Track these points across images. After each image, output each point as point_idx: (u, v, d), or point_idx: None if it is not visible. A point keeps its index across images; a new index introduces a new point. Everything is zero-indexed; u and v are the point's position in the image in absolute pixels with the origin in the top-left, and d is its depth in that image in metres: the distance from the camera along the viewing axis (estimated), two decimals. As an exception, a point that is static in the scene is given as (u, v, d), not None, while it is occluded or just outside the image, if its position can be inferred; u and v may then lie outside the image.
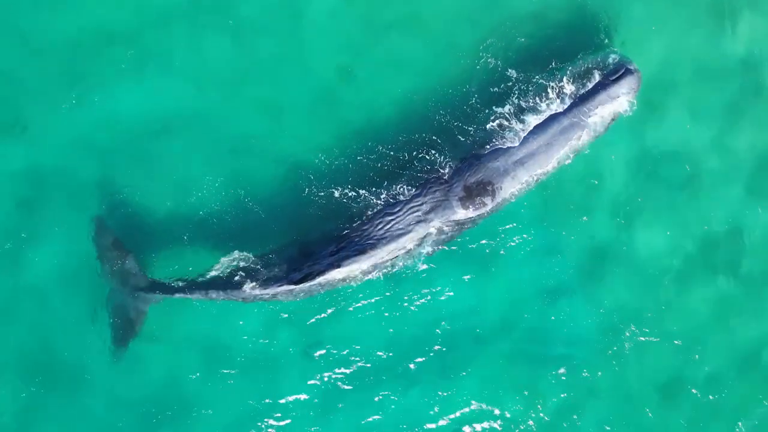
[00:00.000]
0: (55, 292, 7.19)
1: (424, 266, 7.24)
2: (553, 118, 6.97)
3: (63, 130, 7.27)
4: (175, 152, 7.31)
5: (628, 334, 7.70)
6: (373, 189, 7.02)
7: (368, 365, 7.40)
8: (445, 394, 7.49)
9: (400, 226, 6.69)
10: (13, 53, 7.26)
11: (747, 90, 7.79)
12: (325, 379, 7.37)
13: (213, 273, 6.83)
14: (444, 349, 7.50)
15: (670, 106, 7.72)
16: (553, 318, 7.64)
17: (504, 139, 6.89)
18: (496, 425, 7.53)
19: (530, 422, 7.59)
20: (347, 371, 7.38)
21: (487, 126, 7.06)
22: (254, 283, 6.59)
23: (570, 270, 7.66)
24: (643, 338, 7.70)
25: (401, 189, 6.90)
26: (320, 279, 6.47)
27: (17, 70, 7.26)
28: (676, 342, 7.78)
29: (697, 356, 7.80)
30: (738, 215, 7.86)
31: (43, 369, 7.17)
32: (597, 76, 7.12)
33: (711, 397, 7.80)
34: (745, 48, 7.77)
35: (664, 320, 7.76)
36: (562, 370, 7.63)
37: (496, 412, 7.54)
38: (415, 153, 7.24)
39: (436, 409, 7.47)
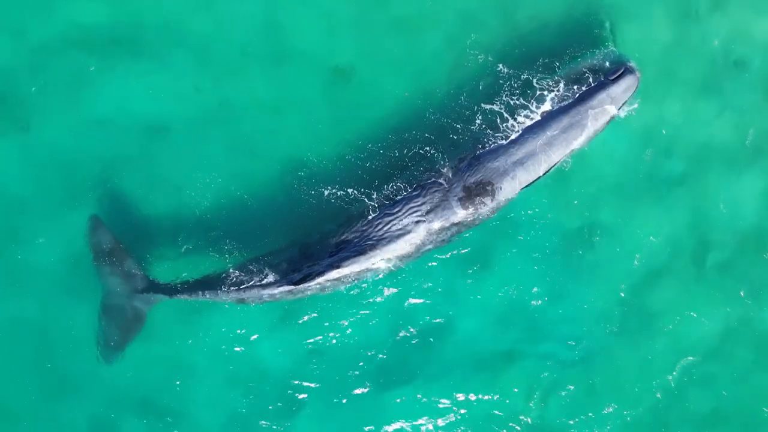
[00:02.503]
0: (52, 294, 7.20)
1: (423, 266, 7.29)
2: (552, 117, 6.97)
3: (62, 129, 7.27)
4: (174, 152, 7.31)
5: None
6: (373, 190, 7.01)
7: (367, 364, 7.40)
8: (440, 391, 7.51)
9: (400, 227, 6.67)
10: (14, 52, 7.28)
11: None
12: (326, 378, 7.37)
13: (213, 274, 6.84)
14: (441, 347, 7.52)
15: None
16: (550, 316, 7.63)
17: (504, 133, 6.93)
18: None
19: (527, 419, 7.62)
20: (347, 370, 7.38)
21: (485, 126, 7.08)
22: (254, 284, 6.59)
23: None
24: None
25: (400, 186, 6.91)
26: (320, 279, 6.45)
27: (17, 69, 7.29)
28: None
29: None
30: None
31: (41, 370, 7.18)
32: (596, 76, 7.11)
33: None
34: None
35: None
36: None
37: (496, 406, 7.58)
38: (414, 153, 7.24)
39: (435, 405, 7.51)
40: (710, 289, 7.75)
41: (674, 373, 7.70)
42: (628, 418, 7.64)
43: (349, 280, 6.72)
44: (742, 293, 7.77)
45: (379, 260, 6.64)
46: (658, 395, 7.70)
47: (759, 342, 7.81)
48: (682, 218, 7.71)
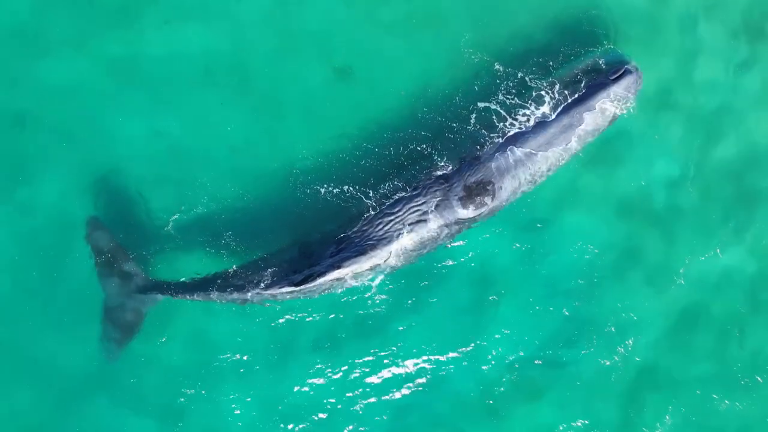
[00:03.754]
0: (52, 294, 7.14)
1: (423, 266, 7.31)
2: (552, 118, 7.00)
3: (61, 127, 7.24)
4: (173, 152, 7.30)
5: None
6: (373, 189, 7.04)
7: (369, 361, 7.42)
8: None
9: (400, 227, 6.70)
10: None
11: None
12: (326, 376, 7.39)
13: (213, 275, 6.83)
14: (436, 344, 7.54)
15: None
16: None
17: (503, 132, 6.98)
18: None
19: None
20: (348, 367, 7.39)
21: (480, 126, 7.13)
22: (255, 285, 6.59)
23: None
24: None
25: (398, 185, 6.94)
26: (321, 280, 6.46)
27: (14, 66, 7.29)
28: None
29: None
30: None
31: (41, 371, 7.13)
32: (595, 76, 7.16)
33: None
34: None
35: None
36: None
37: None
38: (411, 151, 7.27)
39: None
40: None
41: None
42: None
43: (351, 279, 6.70)
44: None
45: (380, 260, 6.66)
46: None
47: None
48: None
